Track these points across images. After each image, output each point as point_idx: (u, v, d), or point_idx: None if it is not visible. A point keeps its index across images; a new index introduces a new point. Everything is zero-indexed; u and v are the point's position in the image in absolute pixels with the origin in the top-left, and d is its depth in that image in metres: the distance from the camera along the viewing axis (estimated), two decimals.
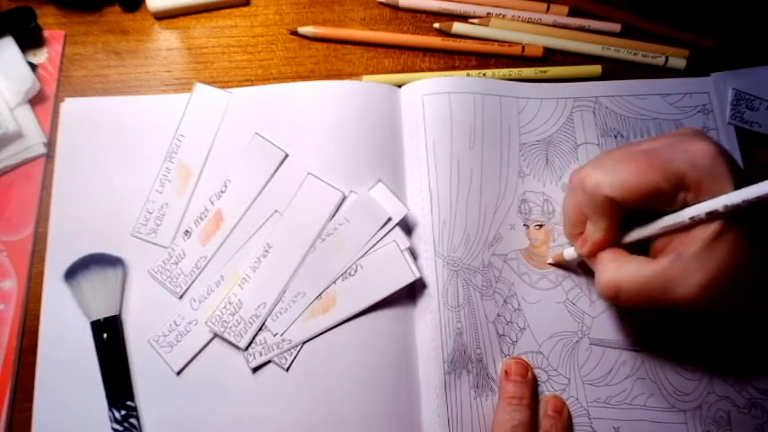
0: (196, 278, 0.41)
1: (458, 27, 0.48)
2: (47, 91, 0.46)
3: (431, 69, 0.48)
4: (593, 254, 0.36)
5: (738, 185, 0.30)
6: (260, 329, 0.39)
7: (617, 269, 0.34)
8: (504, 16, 0.49)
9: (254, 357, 0.39)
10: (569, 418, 0.38)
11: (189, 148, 0.43)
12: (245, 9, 0.49)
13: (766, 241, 0.31)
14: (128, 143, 0.43)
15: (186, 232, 0.42)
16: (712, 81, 0.46)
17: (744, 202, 0.29)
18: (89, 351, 0.39)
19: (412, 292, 0.41)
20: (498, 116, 0.44)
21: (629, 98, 0.45)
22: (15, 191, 0.43)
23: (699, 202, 0.31)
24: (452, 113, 0.44)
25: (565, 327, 0.40)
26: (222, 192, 0.42)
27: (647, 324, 0.40)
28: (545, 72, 0.47)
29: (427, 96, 0.44)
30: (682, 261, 0.31)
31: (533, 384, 0.39)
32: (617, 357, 0.40)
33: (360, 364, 0.39)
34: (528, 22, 0.49)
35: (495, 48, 0.48)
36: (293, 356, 0.39)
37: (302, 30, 0.48)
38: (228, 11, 0.49)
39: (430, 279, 0.40)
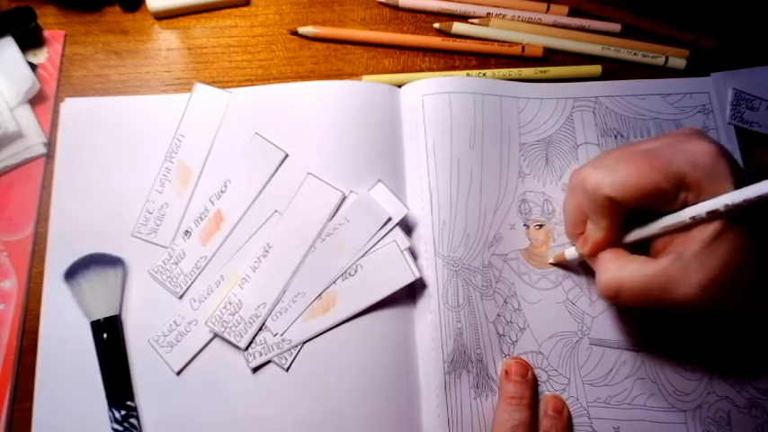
0: (196, 278, 0.41)
1: (458, 27, 0.48)
2: (47, 91, 0.46)
3: (431, 69, 0.48)
4: (594, 254, 0.36)
5: (739, 185, 0.30)
6: (260, 329, 0.39)
7: (618, 269, 0.34)
8: (504, 16, 0.49)
9: (254, 357, 0.39)
10: (569, 418, 0.38)
11: (189, 148, 0.43)
12: (245, 9, 0.49)
13: (766, 241, 0.31)
14: (128, 143, 0.43)
15: (186, 232, 0.42)
16: (712, 81, 0.46)
17: (744, 201, 0.29)
18: (89, 351, 0.39)
19: (412, 292, 0.41)
20: (498, 116, 0.44)
21: (629, 98, 0.45)
22: (15, 191, 0.43)
23: (699, 202, 0.31)
24: (452, 113, 0.44)
25: (565, 327, 0.40)
26: (222, 192, 0.42)
27: (647, 324, 0.40)
28: (545, 72, 0.47)
29: (427, 96, 0.44)
30: (682, 261, 0.31)
31: (533, 384, 0.39)
32: (617, 357, 0.40)
33: (360, 364, 0.39)
34: (528, 22, 0.49)
35: (495, 48, 0.48)
36: (293, 356, 0.39)
37: (302, 30, 0.48)
38: (228, 11, 0.49)
39: (430, 279, 0.40)
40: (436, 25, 0.49)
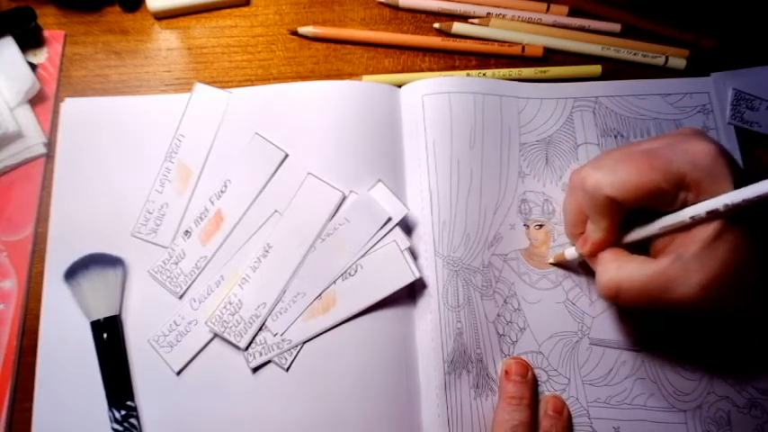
0: (196, 278, 0.41)
1: (458, 27, 0.48)
2: (47, 91, 0.46)
3: (431, 69, 0.48)
4: (594, 254, 0.36)
5: (738, 185, 0.30)
6: (260, 329, 0.39)
7: (617, 269, 0.34)
8: (504, 16, 0.49)
9: (254, 357, 0.39)
10: (569, 418, 0.38)
11: (189, 148, 0.43)
12: (245, 9, 0.49)
13: (766, 241, 0.31)
14: (128, 143, 0.43)
15: (186, 232, 0.42)
16: (712, 81, 0.46)
17: (744, 201, 0.29)
18: (89, 351, 0.39)
19: (412, 292, 0.41)
20: (498, 116, 0.44)
21: (629, 98, 0.45)
22: (15, 191, 0.43)
23: (699, 202, 0.31)
24: (452, 113, 0.44)
25: (565, 327, 0.40)
26: (222, 192, 0.42)
27: (647, 324, 0.40)
28: (545, 72, 0.47)
29: (427, 96, 0.44)
30: (682, 261, 0.31)
31: (533, 384, 0.39)
32: (617, 357, 0.40)
33: (360, 364, 0.39)
34: (528, 22, 0.49)
35: (495, 48, 0.48)
36: (293, 356, 0.39)
37: (302, 30, 0.48)
38: (228, 11, 0.49)
39: (430, 279, 0.40)
40: (436, 25, 0.49)
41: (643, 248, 0.35)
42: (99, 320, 0.39)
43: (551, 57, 0.48)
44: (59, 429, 0.38)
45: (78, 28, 0.48)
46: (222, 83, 0.46)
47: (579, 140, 0.44)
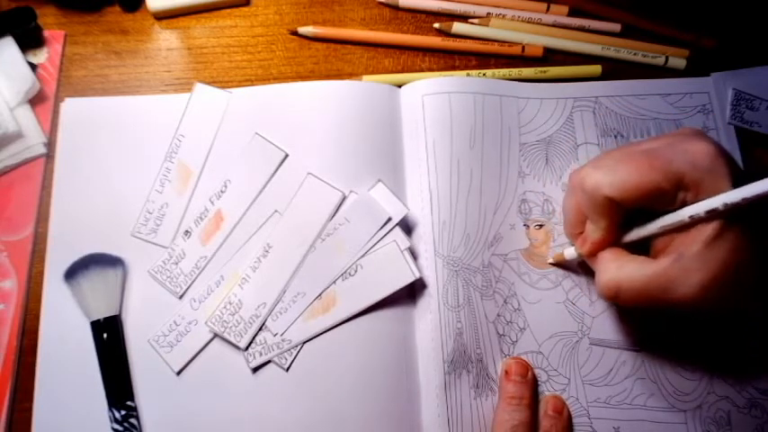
0: (196, 278, 0.41)
1: (458, 27, 0.48)
2: (47, 91, 0.46)
3: (431, 69, 0.48)
4: (594, 253, 0.36)
5: (738, 185, 0.30)
6: (260, 329, 0.39)
7: (617, 269, 0.34)
8: (504, 16, 0.49)
9: (254, 357, 0.39)
10: (569, 418, 0.38)
11: (189, 148, 0.43)
12: (245, 9, 0.49)
13: (766, 241, 0.31)
14: (128, 143, 0.43)
15: (186, 232, 0.42)
16: (712, 81, 0.46)
17: (743, 199, 0.29)
18: (89, 351, 0.39)
19: (412, 292, 0.41)
20: (498, 116, 0.44)
21: (629, 98, 0.45)
22: (15, 191, 0.43)
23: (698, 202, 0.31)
24: (452, 113, 0.44)
25: (565, 327, 0.40)
26: (222, 192, 0.42)
27: (647, 324, 0.40)
28: (545, 72, 0.47)
29: (427, 96, 0.44)
30: (682, 261, 0.31)
31: (533, 384, 0.39)
32: (617, 357, 0.40)
33: (360, 364, 0.39)
34: (528, 22, 0.49)
35: (495, 48, 0.48)
36: (293, 356, 0.39)
37: (302, 30, 0.48)
38: (228, 11, 0.49)
39: (430, 279, 0.40)
40: (436, 25, 0.49)
41: (643, 248, 0.35)
42: (99, 320, 0.39)
43: (551, 57, 0.48)
44: (59, 429, 0.38)
45: (78, 28, 0.48)
46: (222, 83, 0.46)
47: (579, 140, 0.44)
